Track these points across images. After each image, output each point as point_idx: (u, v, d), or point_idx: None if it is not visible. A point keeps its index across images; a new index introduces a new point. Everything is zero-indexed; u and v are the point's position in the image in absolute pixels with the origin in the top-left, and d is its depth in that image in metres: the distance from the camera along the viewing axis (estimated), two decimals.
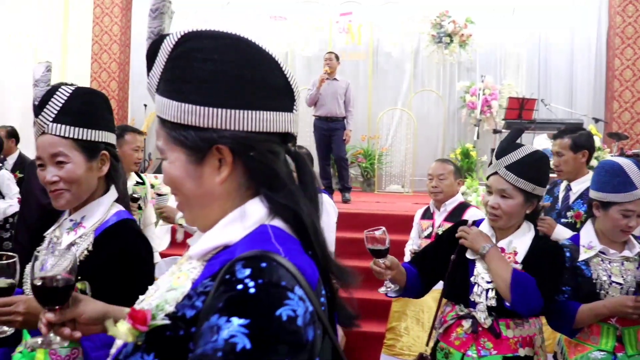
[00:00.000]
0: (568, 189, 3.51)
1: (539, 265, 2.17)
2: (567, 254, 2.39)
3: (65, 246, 1.58)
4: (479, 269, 2.25)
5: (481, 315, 2.20)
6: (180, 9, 10.47)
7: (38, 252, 1.23)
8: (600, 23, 9.72)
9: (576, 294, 2.38)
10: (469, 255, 2.31)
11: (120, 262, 1.56)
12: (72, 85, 1.63)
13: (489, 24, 9.70)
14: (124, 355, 0.91)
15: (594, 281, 2.36)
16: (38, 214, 2.34)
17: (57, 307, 1.19)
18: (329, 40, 10.04)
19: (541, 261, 2.19)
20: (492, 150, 7.26)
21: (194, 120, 0.92)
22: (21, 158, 6.30)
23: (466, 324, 2.24)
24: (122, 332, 0.91)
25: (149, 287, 1.05)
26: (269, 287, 0.80)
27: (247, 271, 0.81)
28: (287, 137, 1.00)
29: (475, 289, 2.23)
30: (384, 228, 2.21)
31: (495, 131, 7.90)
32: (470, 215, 3.59)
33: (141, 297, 1.04)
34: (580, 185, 3.43)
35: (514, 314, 2.17)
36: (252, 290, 0.79)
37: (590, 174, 3.05)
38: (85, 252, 1.57)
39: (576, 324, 2.33)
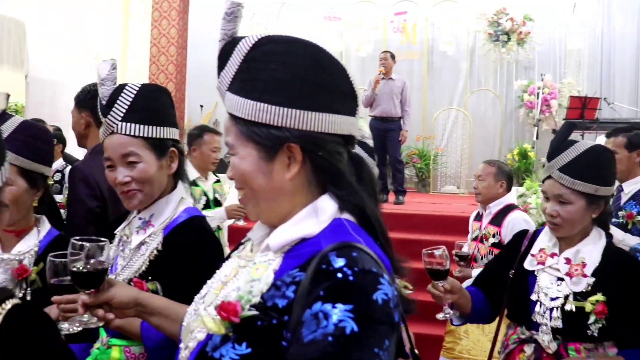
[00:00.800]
0: (620, 189, 3.44)
1: (624, 291, 1.86)
2: None
3: (135, 246, 1.59)
4: (541, 283, 1.98)
5: (545, 338, 1.92)
6: (245, 13, 10.65)
7: (75, 240, 1.29)
8: None
9: None
10: (527, 265, 2.06)
11: (189, 260, 1.55)
12: (137, 83, 1.61)
13: (548, 20, 9.46)
14: (211, 347, 0.94)
15: None
16: (86, 219, 2.31)
17: (92, 290, 1.28)
18: (384, 40, 9.98)
19: (621, 282, 1.88)
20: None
21: (267, 118, 0.97)
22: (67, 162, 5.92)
23: (528, 349, 1.97)
24: (211, 324, 0.95)
25: (208, 281, 1.09)
26: (364, 273, 0.87)
27: (342, 261, 0.88)
28: (350, 139, 1.05)
29: (537, 308, 1.96)
30: (444, 247, 1.98)
31: (555, 131, 7.67)
32: (511, 219, 3.52)
33: (202, 292, 1.08)
34: (633, 186, 3.37)
35: (586, 336, 1.88)
36: (351, 278, 0.86)
37: None
38: (155, 252, 1.58)
39: None
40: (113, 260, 1.61)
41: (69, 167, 5.82)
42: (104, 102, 1.58)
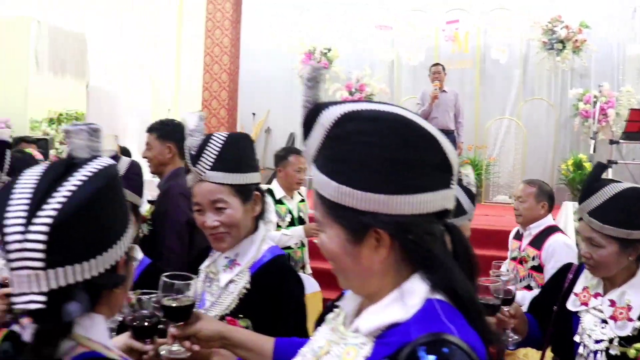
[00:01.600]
0: None
1: None
2: None
3: (224, 284, 1.70)
4: (585, 324, 1.92)
5: None
6: (288, 15, 10.79)
7: (166, 277, 1.42)
8: None
9: None
10: (570, 306, 2.00)
11: (274, 299, 1.65)
12: (223, 133, 1.72)
13: (605, 27, 9.24)
14: None
15: None
16: (180, 234, 2.56)
17: (180, 323, 1.41)
18: (435, 48, 9.97)
19: None
20: (609, 162, 6.91)
21: (352, 202, 0.95)
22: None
23: None
24: None
25: (301, 350, 1.13)
26: None
27: (432, 358, 0.87)
28: (445, 213, 1.00)
29: (581, 349, 1.90)
30: (511, 275, 2.03)
31: (612, 142, 7.52)
32: (551, 242, 3.43)
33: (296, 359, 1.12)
34: None
35: None
36: None
37: None
38: (244, 290, 1.67)
39: None
40: (200, 296, 1.72)
41: None
42: (192, 152, 1.68)
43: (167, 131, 3.12)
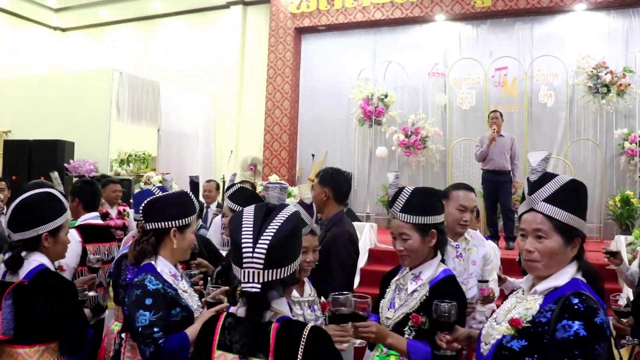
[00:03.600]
0: None
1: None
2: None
3: (410, 292, 2.43)
4: None
5: None
6: (353, 70, 11.55)
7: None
8: None
9: None
10: None
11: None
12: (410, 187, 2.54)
13: None
14: (505, 342, 1.78)
15: None
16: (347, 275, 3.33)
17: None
18: (485, 93, 10.62)
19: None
20: None
21: (574, 223, 1.86)
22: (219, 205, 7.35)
23: None
24: (506, 330, 1.79)
25: (497, 311, 1.94)
26: (590, 307, 1.69)
27: (577, 299, 1.70)
28: None
29: None
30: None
31: None
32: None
33: (494, 315, 1.94)
34: None
35: None
36: (582, 309, 1.68)
37: None
38: (424, 297, 2.41)
39: None
40: (392, 300, 2.49)
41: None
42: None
43: (325, 177, 3.57)
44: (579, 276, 1.84)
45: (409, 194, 2.47)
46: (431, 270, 2.49)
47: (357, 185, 11.50)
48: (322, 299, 2.65)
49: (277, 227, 1.67)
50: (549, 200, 1.86)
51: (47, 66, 15.36)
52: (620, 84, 9.62)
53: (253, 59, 13.02)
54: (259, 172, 12.35)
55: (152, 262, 2.47)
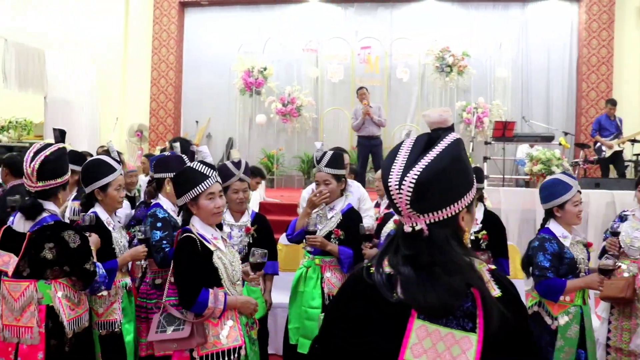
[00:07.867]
0: None
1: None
2: (555, 245, 3.27)
3: (329, 217, 3.78)
4: None
5: None
6: (235, 43, 12.49)
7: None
8: (572, 54, 12.09)
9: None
10: None
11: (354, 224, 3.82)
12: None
13: (480, 55, 11.98)
14: None
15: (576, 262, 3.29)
16: None
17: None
18: (352, 68, 12.20)
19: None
20: (484, 158, 9.46)
21: None
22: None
23: None
24: None
25: None
26: None
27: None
28: None
29: None
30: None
31: (486, 143, 10.08)
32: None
33: None
34: None
35: None
36: None
37: None
38: (339, 220, 3.80)
39: (564, 294, 3.24)
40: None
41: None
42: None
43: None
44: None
45: (330, 155, 3.66)
46: (340, 204, 3.76)
47: (239, 149, 12.64)
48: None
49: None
50: None
51: None
52: (460, 65, 11.63)
53: (137, 30, 13.40)
54: (146, 138, 13.03)
55: (159, 202, 3.61)
